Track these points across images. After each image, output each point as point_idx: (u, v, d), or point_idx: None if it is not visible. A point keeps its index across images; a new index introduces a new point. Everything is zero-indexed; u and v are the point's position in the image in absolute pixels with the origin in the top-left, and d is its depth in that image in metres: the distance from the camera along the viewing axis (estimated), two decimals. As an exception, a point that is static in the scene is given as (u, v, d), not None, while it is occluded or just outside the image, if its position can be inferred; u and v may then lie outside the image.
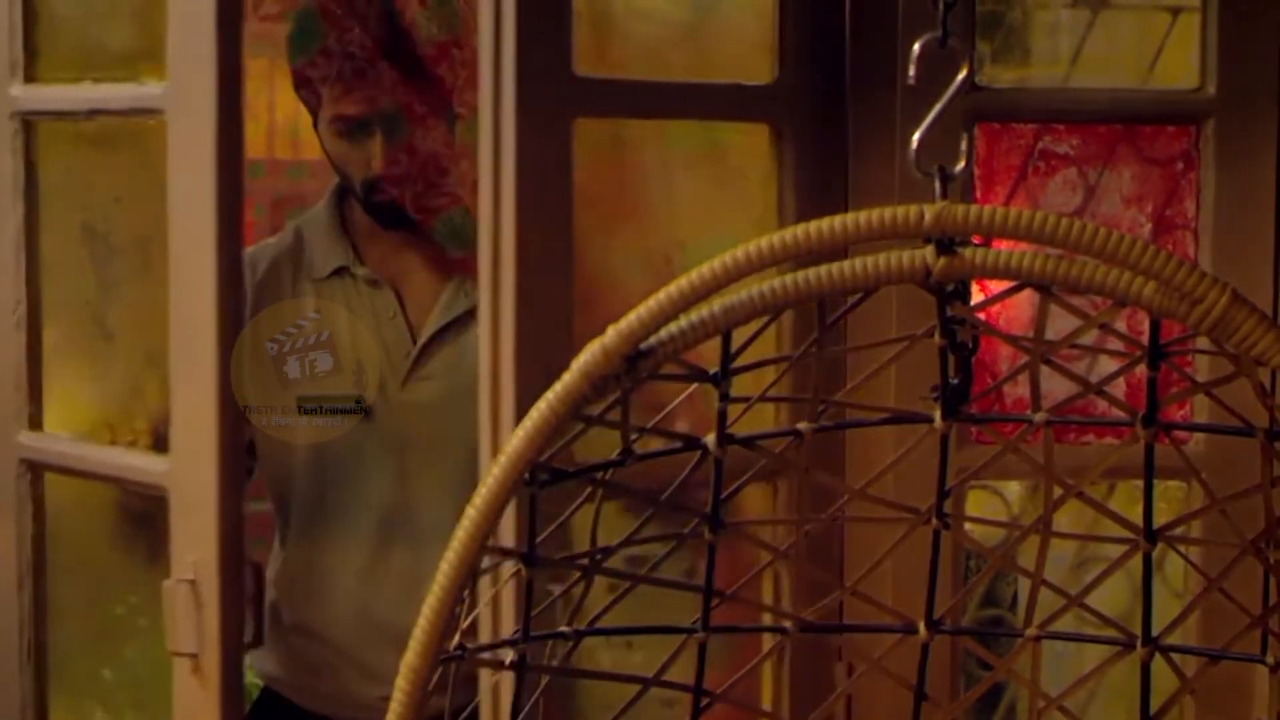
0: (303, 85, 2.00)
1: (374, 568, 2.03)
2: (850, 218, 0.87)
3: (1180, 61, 1.78)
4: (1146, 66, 1.84)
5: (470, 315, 2.03)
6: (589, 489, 0.98)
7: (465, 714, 1.05)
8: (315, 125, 2.01)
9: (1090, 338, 1.04)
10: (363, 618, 2.04)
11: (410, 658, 0.90)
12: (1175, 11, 1.81)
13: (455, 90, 1.94)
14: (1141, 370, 0.94)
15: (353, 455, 2.02)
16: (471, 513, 0.89)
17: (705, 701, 1.10)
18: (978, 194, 1.74)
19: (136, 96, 1.79)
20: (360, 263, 2.06)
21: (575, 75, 1.58)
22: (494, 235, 1.55)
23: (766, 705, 1.68)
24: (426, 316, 2.04)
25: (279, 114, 5.89)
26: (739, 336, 0.93)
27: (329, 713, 2.08)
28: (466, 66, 1.94)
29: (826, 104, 1.73)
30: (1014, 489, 1.88)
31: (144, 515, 1.91)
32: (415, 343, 2.03)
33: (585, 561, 0.99)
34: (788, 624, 1.10)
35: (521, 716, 0.97)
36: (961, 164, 0.95)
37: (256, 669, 2.17)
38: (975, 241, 0.89)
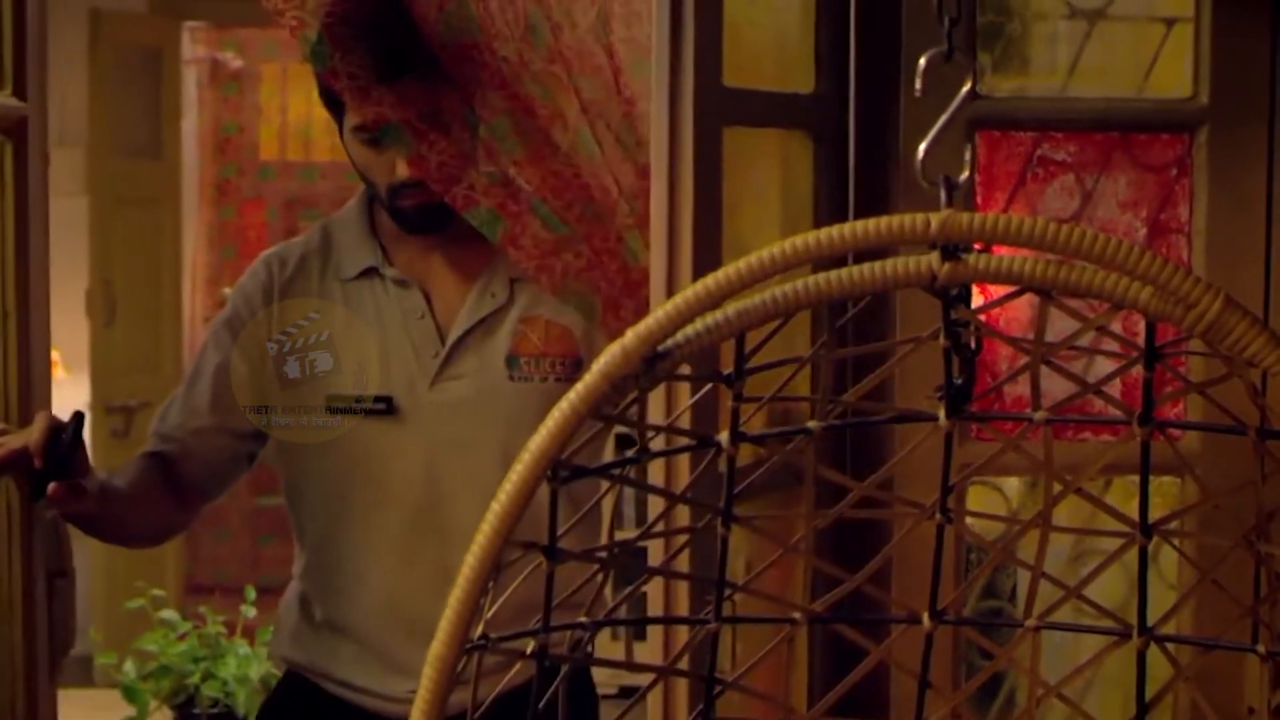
0: (325, 94, 2.02)
1: (403, 565, 2.03)
2: (859, 225, 0.90)
3: (1174, 71, 1.80)
4: (1142, 76, 1.86)
5: (495, 316, 2.05)
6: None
7: (483, 709, 1.07)
8: (340, 133, 2.03)
9: (1088, 339, 1.08)
10: (393, 614, 2.04)
11: (437, 647, 0.92)
12: (1170, 22, 1.83)
13: (477, 93, 1.96)
14: (1138, 371, 0.97)
15: (382, 454, 2.03)
16: (496, 508, 0.92)
17: (718, 690, 1.14)
18: (978, 200, 1.77)
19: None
20: (389, 264, 2.08)
21: (725, 87, 1.64)
22: (670, 223, 1.61)
23: (795, 697, 1.71)
24: (454, 317, 2.05)
25: (291, 116, 5.89)
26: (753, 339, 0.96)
27: (355, 702, 2.09)
28: (486, 69, 1.96)
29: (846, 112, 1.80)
30: (1014, 485, 1.89)
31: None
32: (444, 343, 2.05)
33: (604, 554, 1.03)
34: (796, 615, 1.14)
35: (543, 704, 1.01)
36: (965, 173, 0.99)
37: (281, 655, 2.17)
38: (978, 247, 0.92)
